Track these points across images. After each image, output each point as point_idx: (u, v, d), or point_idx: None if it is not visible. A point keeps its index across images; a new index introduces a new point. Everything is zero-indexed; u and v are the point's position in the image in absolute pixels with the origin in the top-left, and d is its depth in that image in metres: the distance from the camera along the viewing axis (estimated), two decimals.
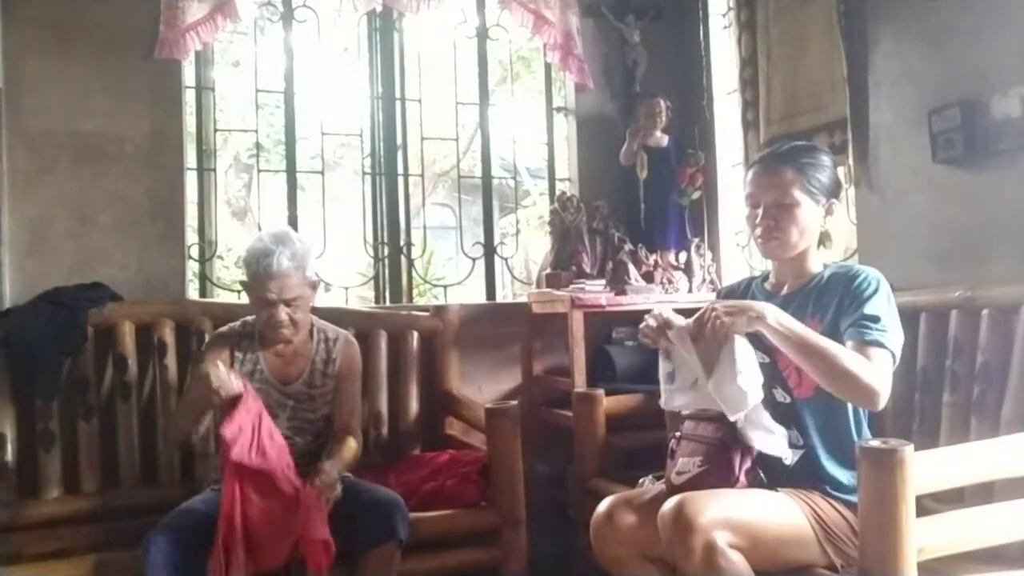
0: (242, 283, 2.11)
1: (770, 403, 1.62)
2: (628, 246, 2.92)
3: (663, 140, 3.06)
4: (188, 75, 2.79)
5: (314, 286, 2.12)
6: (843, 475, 1.61)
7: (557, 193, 3.18)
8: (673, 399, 1.69)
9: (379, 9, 2.97)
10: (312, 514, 1.78)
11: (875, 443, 1.29)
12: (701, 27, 3.26)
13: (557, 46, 3.09)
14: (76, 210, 2.52)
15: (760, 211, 1.69)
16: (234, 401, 1.82)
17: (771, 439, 1.58)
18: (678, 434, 1.71)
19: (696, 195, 3.05)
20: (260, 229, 2.44)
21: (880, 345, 1.53)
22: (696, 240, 3.04)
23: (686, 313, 1.68)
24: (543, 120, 3.37)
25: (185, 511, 1.88)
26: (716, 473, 1.58)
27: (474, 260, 3.17)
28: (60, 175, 2.51)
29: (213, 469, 2.10)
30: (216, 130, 2.93)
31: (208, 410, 1.92)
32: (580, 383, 2.68)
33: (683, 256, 3.01)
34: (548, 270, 2.98)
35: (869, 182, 2.40)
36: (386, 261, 3.07)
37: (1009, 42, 1.98)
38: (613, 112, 3.22)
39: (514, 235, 3.47)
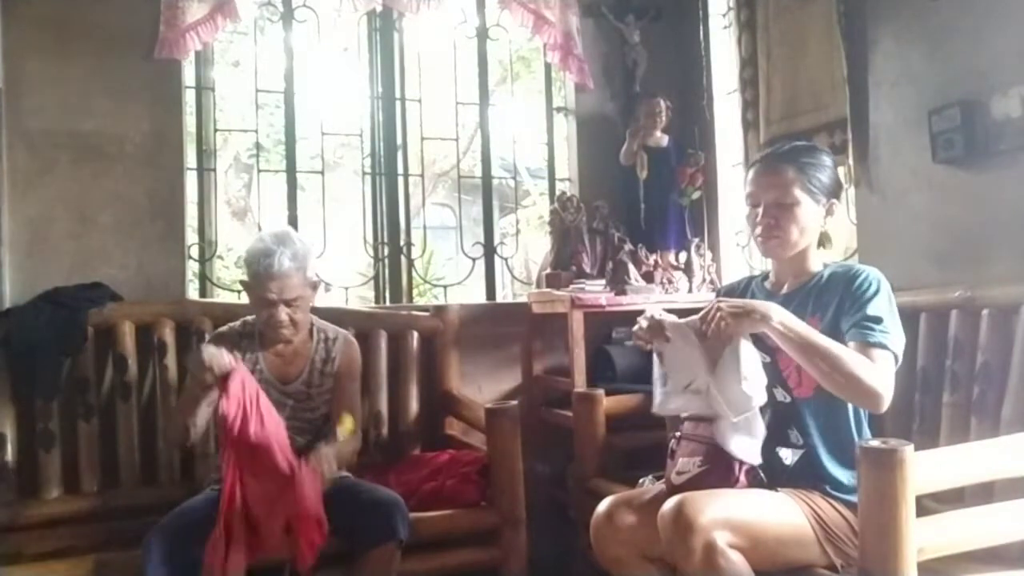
0: (242, 283, 2.11)
1: (770, 403, 1.62)
2: (628, 246, 2.92)
3: (663, 140, 3.06)
4: (188, 75, 2.79)
5: (314, 286, 2.12)
6: (843, 475, 1.61)
7: (557, 193, 3.18)
8: (668, 403, 1.68)
9: (379, 9, 2.97)
10: (306, 491, 1.78)
11: (875, 443, 1.29)
12: (701, 27, 3.26)
13: (557, 46, 3.09)
14: (76, 210, 2.52)
15: (760, 210, 1.69)
16: (228, 380, 1.81)
17: (749, 444, 1.58)
18: (678, 434, 1.71)
19: (696, 195, 3.05)
20: (260, 229, 2.44)
21: (883, 347, 1.53)
22: (696, 240, 3.04)
23: (683, 313, 1.68)
24: (543, 120, 3.37)
25: (185, 511, 1.88)
26: (716, 473, 1.58)
27: (474, 260, 3.17)
28: (60, 175, 2.51)
29: (213, 469, 2.10)
30: (216, 130, 2.93)
31: (205, 397, 1.90)
32: (580, 383, 2.68)
33: (683, 256, 3.01)
34: (548, 270, 2.98)
35: (869, 182, 2.40)
36: (386, 261, 3.07)
37: (1009, 42, 1.98)
38: (613, 112, 3.22)
39: (514, 235, 3.47)
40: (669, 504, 1.49)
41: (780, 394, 1.66)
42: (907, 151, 2.26)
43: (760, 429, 1.58)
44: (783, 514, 1.52)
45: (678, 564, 1.48)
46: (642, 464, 2.16)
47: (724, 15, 3.17)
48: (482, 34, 3.20)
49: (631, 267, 2.86)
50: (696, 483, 1.58)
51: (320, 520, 1.78)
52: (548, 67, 3.31)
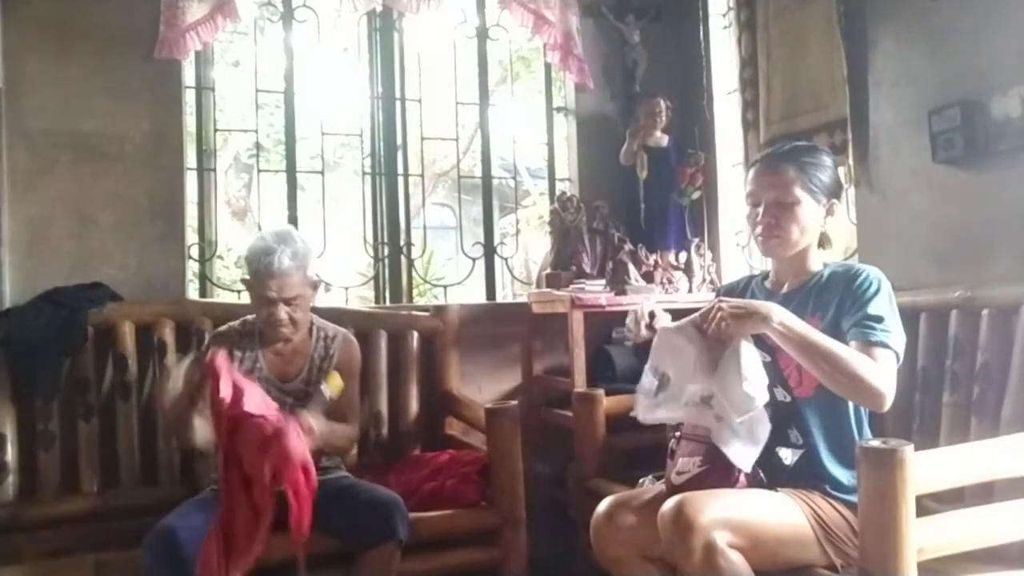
0: (243, 281, 2.11)
1: (771, 402, 1.62)
2: (628, 246, 2.92)
3: (663, 140, 3.06)
4: (188, 75, 2.79)
5: (315, 286, 2.12)
6: (843, 475, 1.61)
7: (557, 193, 3.18)
8: (654, 412, 1.65)
9: (379, 9, 2.98)
10: (291, 440, 1.75)
11: (875, 443, 1.29)
12: (701, 27, 3.26)
13: (557, 46, 3.09)
14: (76, 210, 2.52)
15: (761, 209, 1.69)
16: (213, 362, 1.80)
17: (748, 451, 1.57)
18: (678, 434, 1.71)
19: (696, 195, 3.06)
20: (260, 229, 2.44)
21: (885, 346, 1.53)
22: (696, 240, 3.04)
23: (683, 313, 1.68)
24: (543, 120, 3.38)
25: (185, 511, 1.88)
26: (716, 473, 1.58)
27: (474, 260, 3.17)
28: (60, 175, 2.51)
29: (213, 469, 2.10)
30: (216, 130, 2.93)
31: (196, 402, 1.90)
32: (580, 383, 2.68)
33: (683, 256, 3.01)
34: (548, 270, 2.98)
35: (869, 182, 2.40)
36: (386, 261, 3.07)
37: (1009, 42, 1.98)
38: (613, 112, 3.22)
39: (514, 235, 3.47)
40: (669, 504, 1.49)
41: (780, 394, 1.66)
42: (907, 151, 2.26)
43: (763, 433, 1.57)
44: (783, 514, 1.52)
45: (678, 564, 1.48)
46: (642, 464, 2.16)
47: (724, 15, 3.17)
48: (482, 34, 3.20)
49: (631, 267, 2.86)
50: (696, 483, 1.58)
51: (307, 468, 1.73)
52: (548, 67, 3.31)
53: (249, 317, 2.15)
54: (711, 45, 3.25)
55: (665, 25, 3.26)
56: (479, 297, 3.22)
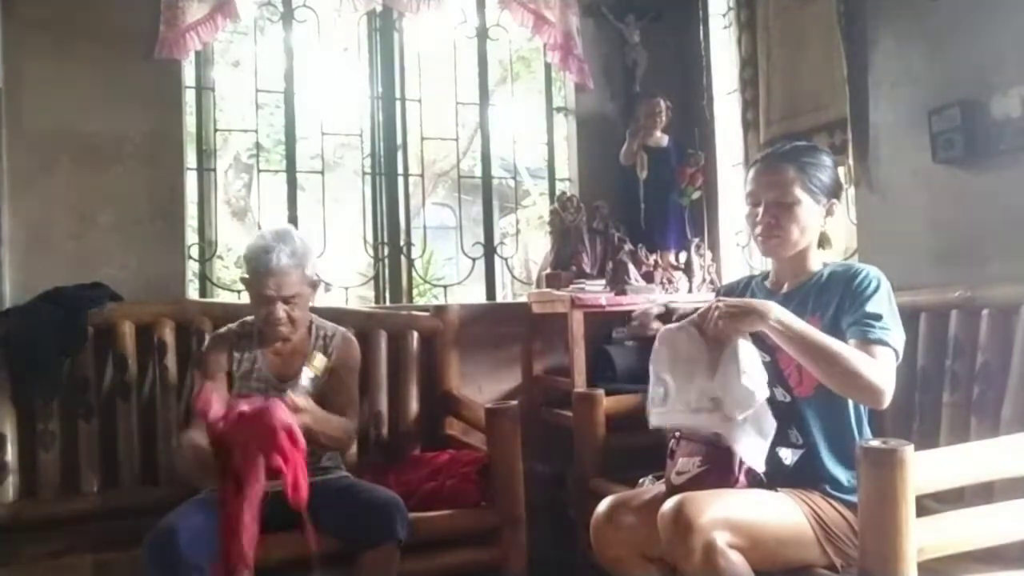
0: (242, 279, 2.11)
1: (770, 402, 1.62)
2: (628, 246, 2.92)
3: (663, 140, 3.06)
4: (188, 75, 2.79)
5: (314, 285, 2.12)
6: (843, 475, 1.61)
7: (557, 193, 3.18)
8: (667, 419, 1.65)
9: (379, 9, 2.98)
10: (278, 412, 1.70)
11: (875, 443, 1.29)
12: (701, 27, 3.26)
13: (557, 46, 3.09)
14: (76, 210, 2.52)
15: (761, 209, 1.69)
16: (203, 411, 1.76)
17: (758, 445, 1.57)
18: (678, 434, 1.71)
19: (696, 195, 3.06)
20: (260, 229, 2.44)
21: (884, 343, 1.53)
22: (696, 240, 3.04)
23: (684, 314, 1.68)
24: (543, 120, 3.37)
25: (185, 511, 1.87)
26: (716, 473, 1.58)
27: (474, 260, 3.17)
28: (60, 175, 2.51)
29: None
30: (216, 130, 2.93)
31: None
32: (580, 383, 2.68)
33: (683, 256, 3.01)
34: (548, 270, 2.98)
35: (869, 182, 2.40)
36: (386, 261, 3.07)
37: (1009, 42, 1.98)
38: (613, 112, 3.22)
39: (514, 235, 3.47)
40: (669, 504, 1.49)
41: (780, 393, 1.66)
42: (907, 151, 2.26)
43: (770, 428, 1.57)
44: (783, 514, 1.52)
45: (678, 564, 1.48)
46: (642, 464, 2.15)
47: (724, 15, 3.17)
48: (482, 34, 3.20)
49: (631, 267, 2.86)
50: (696, 483, 1.58)
51: (292, 433, 1.68)
52: (548, 67, 3.31)
53: (248, 318, 2.15)
54: (711, 45, 3.25)
55: (665, 25, 3.26)
56: (479, 297, 3.22)
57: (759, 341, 1.59)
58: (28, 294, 2.37)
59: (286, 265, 1.99)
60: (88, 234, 2.53)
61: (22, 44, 2.47)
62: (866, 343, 1.53)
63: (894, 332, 1.56)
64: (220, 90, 3.12)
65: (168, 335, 2.41)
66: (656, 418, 1.66)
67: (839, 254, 2.54)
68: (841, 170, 2.27)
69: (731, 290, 1.91)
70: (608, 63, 3.23)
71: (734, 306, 1.55)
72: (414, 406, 2.60)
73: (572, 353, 2.71)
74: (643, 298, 2.75)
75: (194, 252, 2.76)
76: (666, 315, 1.70)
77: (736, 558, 1.42)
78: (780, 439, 1.64)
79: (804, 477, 1.61)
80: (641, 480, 1.94)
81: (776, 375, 1.66)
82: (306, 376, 1.95)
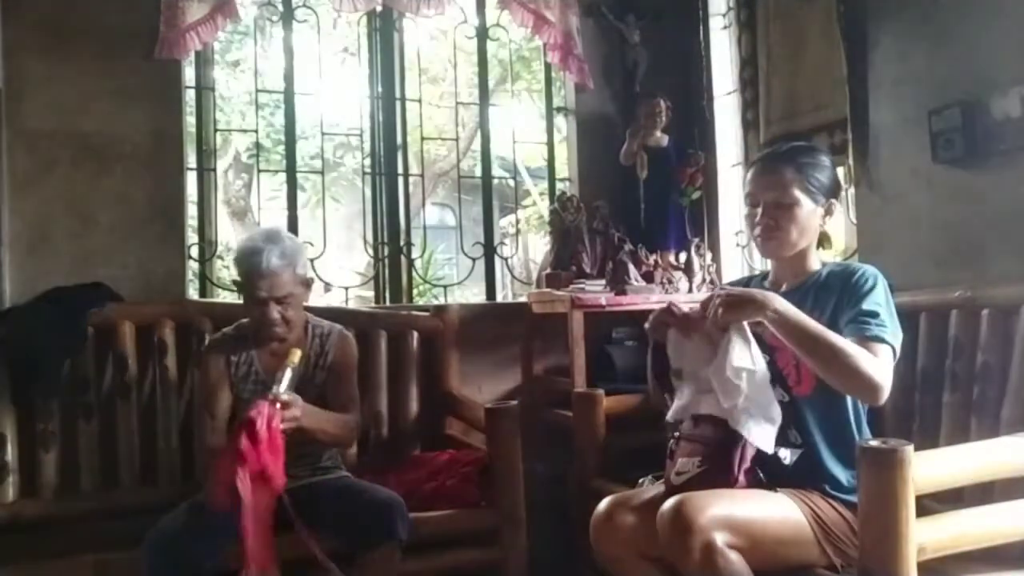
0: (235, 282, 2.11)
1: None
2: (628, 246, 2.91)
3: (663, 140, 3.06)
4: (188, 75, 2.79)
5: (307, 284, 2.11)
6: (843, 474, 1.61)
7: (557, 193, 3.18)
8: (692, 409, 1.66)
9: (379, 9, 2.97)
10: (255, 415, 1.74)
11: (875, 443, 1.29)
12: (701, 27, 3.26)
13: (557, 46, 3.09)
14: (76, 210, 2.52)
15: (759, 210, 1.69)
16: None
17: (766, 430, 1.57)
18: (677, 434, 1.71)
19: (696, 195, 3.06)
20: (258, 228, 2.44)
21: (881, 340, 1.53)
22: (696, 240, 3.04)
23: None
24: (543, 120, 3.38)
25: (185, 511, 1.88)
26: (715, 473, 1.57)
27: (474, 260, 3.17)
28: (60, 175, 2.51)
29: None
30: (216, 130, 2.93)
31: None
32: (580, 383, 2.68)
33: (683, 256, 3.00)
34: (548, 270, 2.98)
35: (869, 182, 2.40)
36: (386, 261, 3.07)
37: (1009, 42, 1.98)
38: (613, 112, 3.22)
39: (514, 235, 3.47)
40: (668, 504, 1.49)
41: (779, 393, 1.65)
42: (907, 151, 2.26)
43: (776, 414, 1.57)
44: (782, 514, 1.52)
45: (677, 564, 1.48)
46: (642, 464, 2.15)
47: (724, 15, 3.18)
48: (482, 34, 3.20)
49: (631, 267, 2.85)
50: (695, 483, 1.58)
51: (252, 423, 1.71)
52: (548, 67, 3.31)
53: (243, 321, 2.14)
54: (711, 45, 3.24)
55: (665, 25, 3.26)
56: (479, 297, 3.21)
57: (758, 340, 1.59)
58: (28, 294, 2.37)
59: (277, 266, 1.98)
60: (88, 234, 2.53)
61: (22, 44, 2.47)
62: (864, 340, 1.53)
63: (891, 329, 1.56)
64: (220, 90, 3.12)
65: (168, 335, 2.41)
66: (672, 413, 1.67)
67: (839, 254, 2.54)
68: (841, 170, 2.27)
69: None
70: (608, 63, 3.23)
71: (734, 295, 1.55)
72: (414, 406, 2.60)
73: (572, 353, 2.70)
74: (643, 298, 2.75)
75: (194, 252, 2.76)
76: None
77: (735, 558, 1.42)
78: (779, 439, 1.63)
79: (803, 477, 1.61)
80: (641, 480, 1.94)
81: (775, 375, 1.65)
82: (287, 372, 1.91)
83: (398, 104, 3.12)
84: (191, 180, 2.77)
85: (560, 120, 3.39)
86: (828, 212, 1.71)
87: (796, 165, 1.67)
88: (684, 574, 1.46)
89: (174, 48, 2.62)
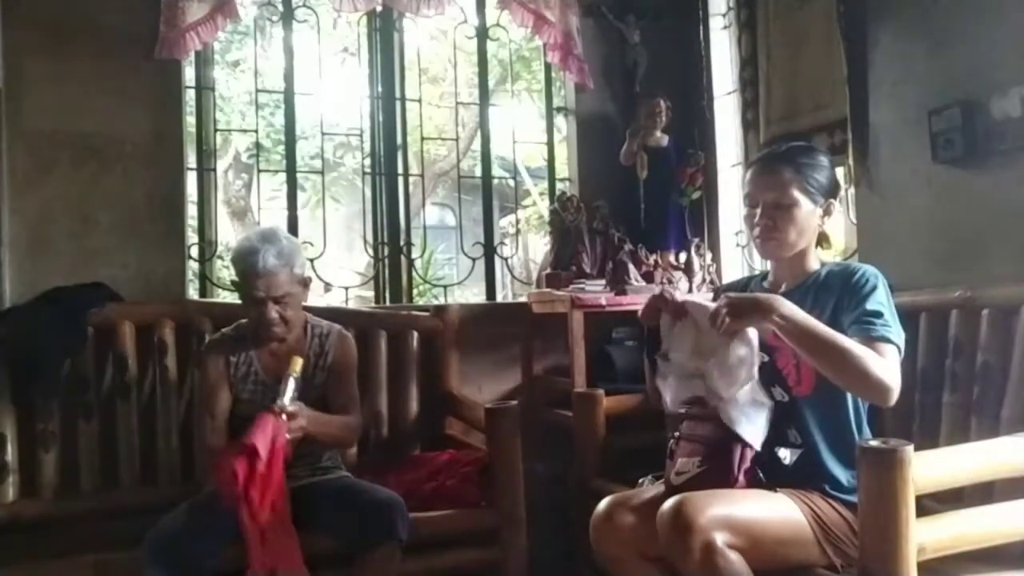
0: (233, 283, 2.11)
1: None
2: (628, 246, 2.92)
3: (663, 140, 3.06)
4: (188, 75, 2.79)
5: (305, 283, 2.11)
6: (843, 474, 1.61)
7: (557, 193, 3.18)
8: (682, 394, 1.67)
9: (379, 9, 2.97)
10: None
11: (875, 443, 1.29)
12: (701, 27, 3.26)
13: (557, 46, 3.09)
14: (76, 210, 2.52)
15: (758, 211, 1.69)
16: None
17: (757, 429, 1.58)
18: (677, 434, 1.71)
19: (696, 195, 3.06)
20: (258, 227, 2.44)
21: (887, 340, 1.53)
22: (696, 240, 3.04)
23: None
24: (543, 120, 3.38)
25: (185, 511, 1.88)
26: (715, 473, 1.58)
27: (474, 260, 3.17)
28: (60, 175, 2.51)
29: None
30: (216, 130, 2.93)
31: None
32: (580, 383, 2.68)
33: (683, 256, 3.01)
34: (548, 270, 2.98)
35: (869, 182, 2.40)
36: (386, 261, 3.07)
37: (1009, 42, 1.98)
38: (613, 112, 3.22)
39: (514, 235, 3.47)
40: (668, 504, 1.49)
41: (778, 393, 1.66)
42: (907, 151, 2.26)
43: (761, 419, 1.59)
44: (782, 514, 1.52)
45: (677, 564, 1.48)
46: (642, 464, 2.15)
47: (724, 15, 3.18)
48: (482, 34, 3.20)
49: (631, 267, 2.85)
50: (695, 483, 1.58)
51: (253, 453, 1.75)
52: (548, 67, 3.31)
53: (243, 321, 2.14)
54: (711, 45, 3.25)
55: (665, 25, 3.26)
56: (479, 297, 3.21)
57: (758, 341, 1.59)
58: (28, 294, 2.37)
59: (273, 266, 1.98)
60: (88, 234, 2.53)
61: (22, 44, 2.46)
62: (870, 340, 1.53)
63: (895, 329, 1.56)
64: (220, 90, 3.12)
65: (168, 335, 2.41)
66: (670, 399, 1.68)
67: (839, 254, 2.54)
68: (841, 170, 2.27)
69: (730, 290, 1.91)
70: (608, 63, 3.23)
71: (739, 303, 1.54)
72: (414, 406, 2.60)
73: (572, 353, 2.71)
74: (643, 298, 2.75)
75: (194, 252, 2.76)
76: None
77: (735, 558, 1.42)
78: (779, 439, 1.64)
79: (803, 477, 1.61)
80: (641, 480, 1.94)
81: (774, 375, 1.66)
82: (290, 383, 1.93)
83: (398, 104, 3.12)
84: (191, 180, 2.77)
85: (560, 120, 3.39)
86: (827, 212, 1.71)
87: (795, 166, 1.67)
88: (684, 574, 1.46)
89: (174, 48, 2.62)
